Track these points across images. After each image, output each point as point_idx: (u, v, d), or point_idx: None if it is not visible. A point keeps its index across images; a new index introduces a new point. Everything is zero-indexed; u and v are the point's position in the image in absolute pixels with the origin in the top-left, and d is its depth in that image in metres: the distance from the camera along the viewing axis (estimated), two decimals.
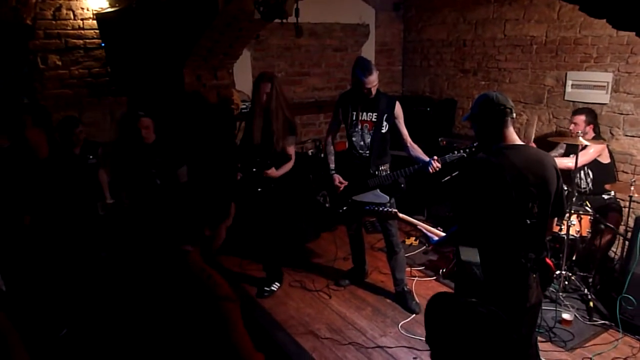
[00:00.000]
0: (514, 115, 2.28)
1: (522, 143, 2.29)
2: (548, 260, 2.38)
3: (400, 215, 2.80)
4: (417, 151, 3.59)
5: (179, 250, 1.70)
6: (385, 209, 2.95)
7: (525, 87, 5.07)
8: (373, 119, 3.60)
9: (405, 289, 3.86)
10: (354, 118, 3.66)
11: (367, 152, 3.65)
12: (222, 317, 1.59)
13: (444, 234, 2.57)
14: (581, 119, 4.08)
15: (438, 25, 5.92)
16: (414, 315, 3.69)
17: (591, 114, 4.14)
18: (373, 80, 3.44)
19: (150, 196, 3.67)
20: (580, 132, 3.88)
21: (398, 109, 3.61)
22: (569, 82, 4.67)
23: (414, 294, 3.90)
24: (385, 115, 3.57)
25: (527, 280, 2.28)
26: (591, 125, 4.10)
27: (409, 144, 3.63)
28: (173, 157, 3.92)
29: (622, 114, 4.31)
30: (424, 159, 3.50)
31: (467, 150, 3.39)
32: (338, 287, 4.12)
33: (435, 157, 3.43)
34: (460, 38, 5.67)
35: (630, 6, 1.56)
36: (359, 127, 3.66)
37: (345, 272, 4.29)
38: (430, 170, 3.45)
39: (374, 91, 3.50)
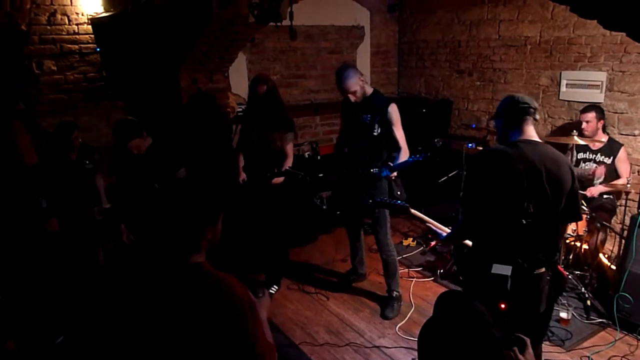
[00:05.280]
0: (537, 117, 2.28)
1: (540, 140, 2.26)
2: (560, 268, 2.32)
3: (412, 210, 2.75)
4: (400, 156, 3.48)
5: (188, 266, 1.52)
6: (396, 202, 2.89)
7: (520, 87, 5.08)
8: (367, 121, 3.53)
9: (394, 294, 3.78)
10: (352, 120, 3.64)
11: (360, 154, 3.60)
12: (243, 321, 1.48)
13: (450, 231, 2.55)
14: (592, 115, 4.06)
15: (433, 26, 5.94)
16: (412, 316, 3.70)
17: (599, 109, 4.13)
18: (347, 90, 3.43)
19: (149, 200, 3.64)
20: (592, 130, 3.97)
21: (392, 112, 3.47)
22: (564, 82, 4.69)
23: (399, 301, 3.79)
24: (378, 118, 3.47)
25: (539, 284, 2.23)
26: (601, 121, 4.11)
27: (400, 148, 3.51)
28: (170, 160, 3.88)
29: (616, 112, 4.33)
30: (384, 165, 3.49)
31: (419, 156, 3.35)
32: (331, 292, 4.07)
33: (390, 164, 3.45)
34: (455, 39, 5.69)
35: (620, 7, 1.57)
36: (356, 129, 3.62)
37: (343, 274, 4.29)
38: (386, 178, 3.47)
39: (355, 97, 3.48)
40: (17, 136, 3.04)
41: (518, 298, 2.21)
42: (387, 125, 3.48)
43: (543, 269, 2.23)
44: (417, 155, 3.32)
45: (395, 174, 3.47)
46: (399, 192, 3.59)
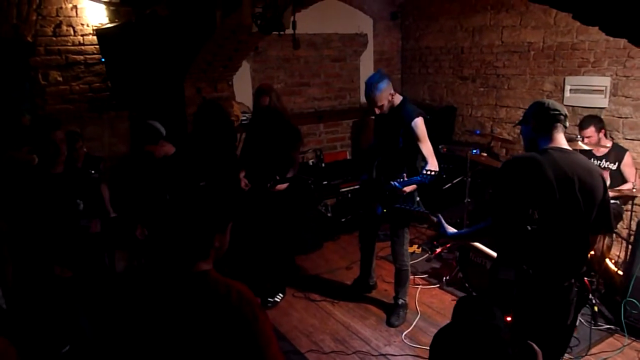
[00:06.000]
0: (567, 124, 2.20)
1: (570, 149, 2.19)
2: (586, 280, 2.26)
3: (432, 217, 2.64)
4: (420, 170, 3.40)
5: (195, 274, 1.52)
6: (417, 208, 2.83)
7: (524, 93, 5.08)
8: (392, 134, 3.45)
9: (400, 302, 3.77)
10: (380, 131, 3.57)
11: (383, 165, 3.55)
12: (254, 326, 1.48)
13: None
14: (591, 130, 3.96)
15: (436, 33, 5.96)
16: (418, 324, 3.68)
17: (595, 120, 4.03)
18: (375, 102, 3.34)
19: (159, 212, 3.63)
20: (595, 142, 3.90)
21: (415, 128, 3.33)
22: (567, 87, 4.68)
23: (405, 309, 3.79)
24: (402, 131, 3.38)
25: (569, 296, 2.18)
26: (602, 131, 4.01)
27: (427, 161, 3.41)
28: (190, 173, 3.77)
29: (621, 117, 4.32)
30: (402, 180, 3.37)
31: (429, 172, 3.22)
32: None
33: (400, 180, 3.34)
34: (458, 45, 5.70)
35: (622, 13, 1.58)
36: (382, 139, 3.55)
37: (348, 283, 4.27)
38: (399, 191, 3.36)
39: (381, 110, 3.39)
40: (57, 145, 3.07)
41: (546, 309, 2.15)
42: (412, 139, 3.38)
43: (572, 280, 2.17)
44: (425, 176, 3.17)
45: (406, 189, 3.35)
46: (417, 198, 3.53)
